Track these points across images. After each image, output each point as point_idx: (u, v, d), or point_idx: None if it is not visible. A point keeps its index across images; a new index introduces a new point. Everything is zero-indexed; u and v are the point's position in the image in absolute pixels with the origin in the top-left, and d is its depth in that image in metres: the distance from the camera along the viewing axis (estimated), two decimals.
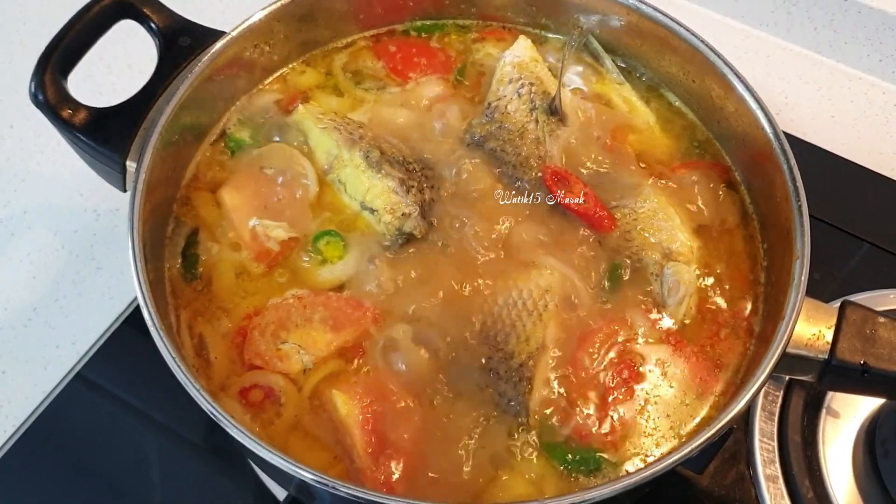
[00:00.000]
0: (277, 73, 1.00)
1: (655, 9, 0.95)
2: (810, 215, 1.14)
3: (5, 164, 1.22)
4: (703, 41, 0.92)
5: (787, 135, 1.24)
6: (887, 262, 1.16)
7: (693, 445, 0.70)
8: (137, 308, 0.77)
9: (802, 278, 0.78)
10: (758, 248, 0.90)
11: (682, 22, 0.94)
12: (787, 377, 1.03)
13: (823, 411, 1.03)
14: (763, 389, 1.04)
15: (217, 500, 0.98)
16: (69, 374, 1.06)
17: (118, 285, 1.13)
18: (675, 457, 0.70)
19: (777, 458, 1.00)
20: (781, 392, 1.04)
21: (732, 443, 1.02)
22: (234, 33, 0.92)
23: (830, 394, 1.04)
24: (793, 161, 0.84)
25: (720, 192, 0.94)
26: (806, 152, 1.27)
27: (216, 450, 1.00)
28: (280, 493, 0.93)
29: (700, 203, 0.92)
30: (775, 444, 1.02)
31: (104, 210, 1.19)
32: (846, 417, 1.03)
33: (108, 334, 1.09)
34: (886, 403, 1.02)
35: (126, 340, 1.08)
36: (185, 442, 1.02)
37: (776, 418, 1.03)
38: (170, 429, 1.02)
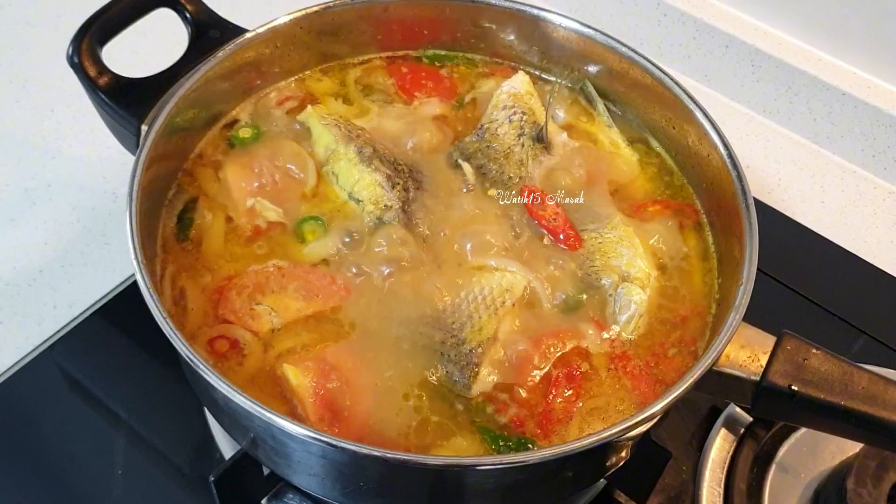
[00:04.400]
0: (296, 77, 1.09)
1: (645, 58, 1.02)
2: (798, 293, 1.21)
3: (41, 142, 1.32)
4: (683, 90, 0.99)
5: (777, 212, 1.32)
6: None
7: (610, 432, 0.74)
8: (135, 283, 0.83)
9: (742, 301, 0.83)
10: (713, 281, 0.95)
11: (669, 72, 1.01)
12: (742, 430, 1.07)
13: (773, 465, 1.06)
14: (718, 441, 1.07)
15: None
16: (59, 332, 1.12)
17: (122, 261, 1.20)
18: (592, 438, 0.74)
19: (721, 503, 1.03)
20: (735, 443, 1.07)
21: (679, 483, 1.05)
22: (259, 30, 1.01)
23: (782, 450, 1.06)
24: (751, 199, 0.90)
25: (686, 231, 0.99)
26: (793, 231, 1.33)
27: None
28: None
29: (665, 238, 0.98)
30: (721, 489, 1.04)
31: (122, 194, 1.27)
32: (795, 474, 1.05)
33: (104, 302, 1.15)
34: (835, 467, 1.04)
35: (122, 310, 1.14)
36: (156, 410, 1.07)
37: (726, 465, 1.05)
38: (144, 397, 1.08)
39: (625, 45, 1.04)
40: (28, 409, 1.07)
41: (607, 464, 0.87)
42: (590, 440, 0.74)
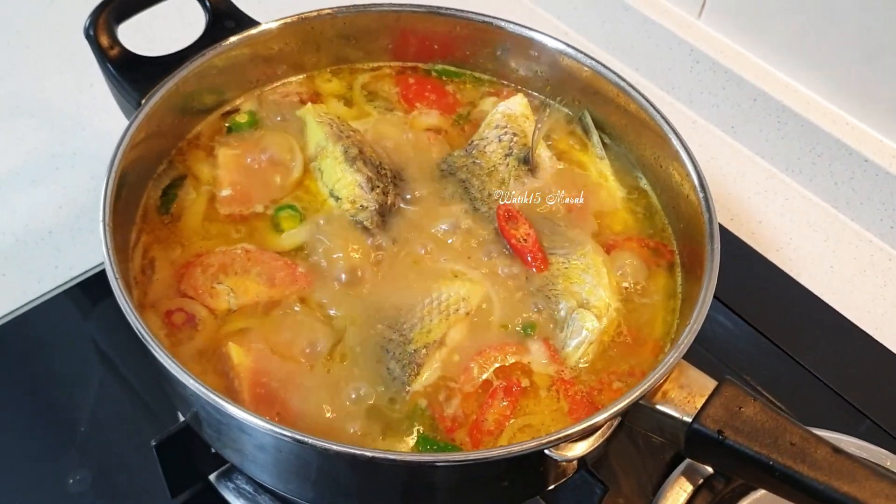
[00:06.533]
0: (305, 74, 1.13)
1: (643, 95, 1.03)
2: (794, 359, 1.18)
3: (75, 114, 1.39)
4: (672, 128, 0.99)
5: (781, 272, 1.30)
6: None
7: (524, 446, 0.75)
8: None
9: (685, 340, 0.82)
10: (674, 321, 0.94)
11: (661, 110, 1.01)
12: (701, 480, 1.05)
13: None
14: (674, 487, 1.06)
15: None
16: (54, 290, 1.17)
17: None
18: (512, 449, 0.75)
19: None
20: (691, 493, 1.05)
21: None
22: (269, 26, 1.05)
23: None
24: (717, 242, 0.90)
25: (658, 270, 0.99)
26: (796, 293, 1.30)
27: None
28: None
29: (633, 274, 0.98)
30: None
31: None
32: None
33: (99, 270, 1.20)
34: None
35: None
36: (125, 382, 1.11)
37: None
38: (116, 367, 1.12)
39: (625, 81, 1.05)
40: (26, 351, 1.12)
41: (529, 483, 0.87)
42: (495, 452, 0.75)
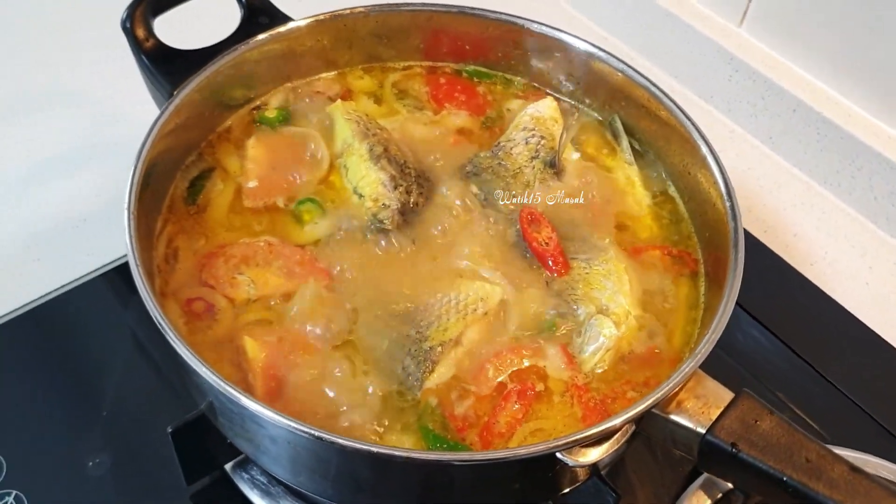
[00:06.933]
0: (338, 71, 1.13)
1: (673, 100, 1.02)
2: (823, 375, 1.16)
3: (114, 104, 1.42)
4: (702, 135, 0.98)
5: (814, 286, 1.27)
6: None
7: (536, 448, 0.74)
8: None
9: (702, 350, 0.81)
10: (694, 331, 0.93)
11: (693, 117, 1.00)
12: (720, 495, 1.03)
13: None
14: (692, 500, 1.04)
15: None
16: (83, 277, 1.19)
17: None
18: (523, 450, 0.75)
19: None
20: None
21: None
22: (300, 23, 1.06)
23: None
24: (741, 252, 0.88)
25: (681, 279, 0.98)
26: (828, 309, 1.27)
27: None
28: None
29: (657, 282, 0.97)
30: None
31: None
32: None
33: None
34: None
35: None
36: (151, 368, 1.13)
37: None
38: (145, 353, 1.14)
39: (655, 85, 1.04)
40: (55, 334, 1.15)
41: (540, 486, 0.86)
42: (509, 452, 0.75)
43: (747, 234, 1.30)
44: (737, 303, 1.18)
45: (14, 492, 1.00)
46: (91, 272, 1.20)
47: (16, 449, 1.03)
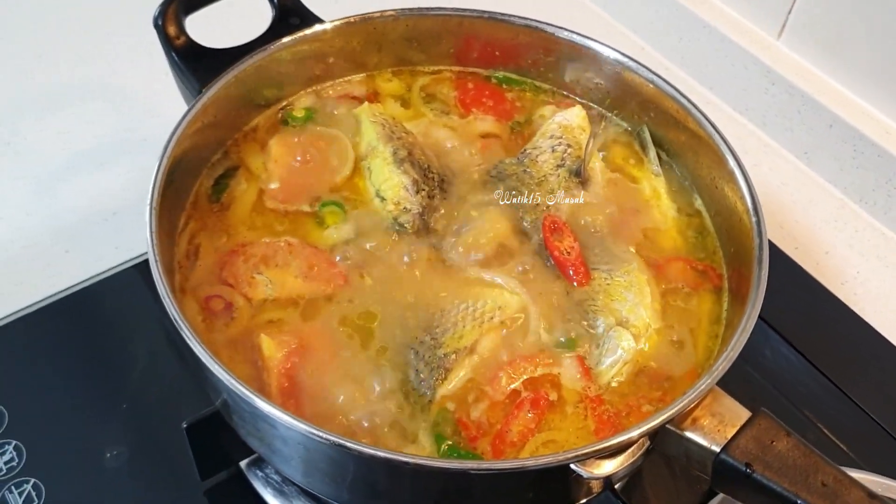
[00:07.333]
0: (366, 73, 1.13)
1: (702, 112, 1.00)
2: (852, 399, 1.13)
3: (147, 101, 1.43)
4: (730, 148, 0.96)
5: (845, 306, 1.25)
6: None
7: (538, 461, 0.73)
8: None
9: (719, 367, 0.80)
10: (715, 348, 0.91)
11: (725, 128, 0.99)
12: None
13: None
14: None
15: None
16: (111, 269, 1.21)
17: None
18: (539, 460, 0.75)
19: None
20: None
21: None
22: (335, 24, 1.06)
23: None
24: (765, 271, 0.87)
25: (704, 294, 0.96)
26: (858, 329, 1.25)
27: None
28: None
29: (679, 296, 0.95)
30: None
31: None
32: None
33: None
34: None
35: None
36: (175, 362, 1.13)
37: None
38: (170, 344, 1.14)
39: (685, 97, 1.02)
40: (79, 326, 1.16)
41: (552, 497, 0.85)
42: (524, 462, 0.74)
43: (778, 251, 1.28)
44: (764, 320, 1.18)
45: (32, 479, 1.02)
46: (119, 264, 1.21)
47: (36, 436, 1.04)
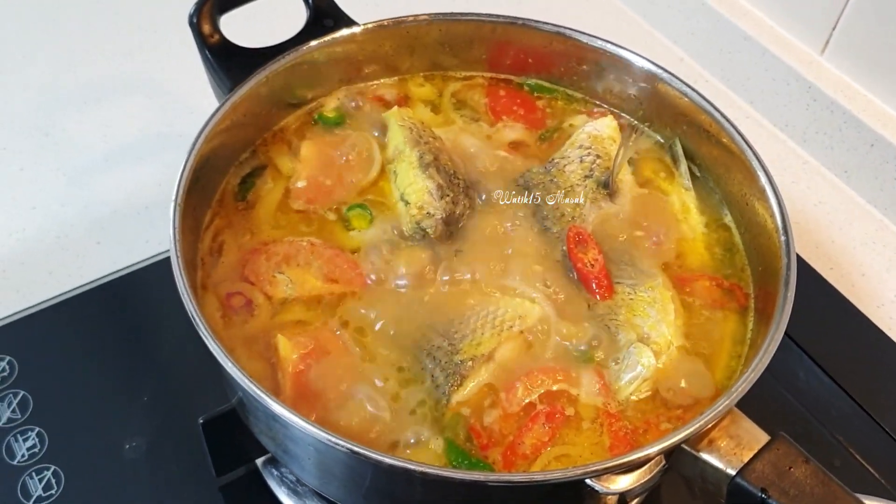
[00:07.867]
0: (398, 77, 1.13)
1: (735, 127, 0.99)
2: (882, 426, 1.10)
3: (186, 97, 1.45)
4: (762, 165, 0.95)
5: (880, 331, 1.21)
6: None
7: (555, 475, 0.73)
8: None
9: (738, 388, 0.78)
10: (737, 367, 0.90)
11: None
12: None
13: None
14: None
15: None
16: (141, 262, 1.22)
17: None
18: (548, 475, 0.74)
19: None
20: None
21: None
22: (368, 27, 1.06)
23: None
24: (791, 290, 0.85)
25: (729, 313, 0.94)
26: (891, 354, 1.21)
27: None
28: None
29: (703, 314, 0.93)
30: None
31: None
32: None
33: None
34: None
35: None
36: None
37: None
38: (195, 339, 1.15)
39: (718, 111, 1.01)
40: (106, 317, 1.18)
41: None
42: (534, 476, 0.73)
43: (812, 271, 1.26)
44: (794, 341, 1.15)
45: (53, 467, 1.03)
46: (148, 258, 1.23)
47: (58, 424, 1.06)
